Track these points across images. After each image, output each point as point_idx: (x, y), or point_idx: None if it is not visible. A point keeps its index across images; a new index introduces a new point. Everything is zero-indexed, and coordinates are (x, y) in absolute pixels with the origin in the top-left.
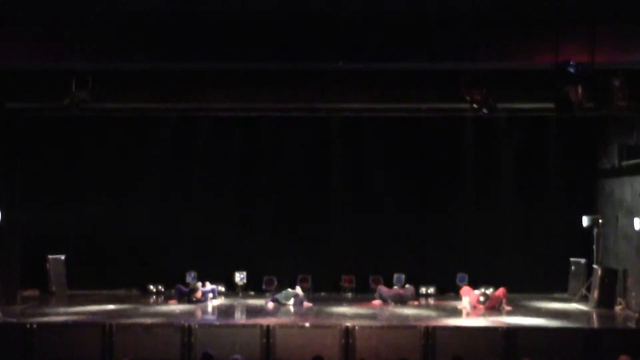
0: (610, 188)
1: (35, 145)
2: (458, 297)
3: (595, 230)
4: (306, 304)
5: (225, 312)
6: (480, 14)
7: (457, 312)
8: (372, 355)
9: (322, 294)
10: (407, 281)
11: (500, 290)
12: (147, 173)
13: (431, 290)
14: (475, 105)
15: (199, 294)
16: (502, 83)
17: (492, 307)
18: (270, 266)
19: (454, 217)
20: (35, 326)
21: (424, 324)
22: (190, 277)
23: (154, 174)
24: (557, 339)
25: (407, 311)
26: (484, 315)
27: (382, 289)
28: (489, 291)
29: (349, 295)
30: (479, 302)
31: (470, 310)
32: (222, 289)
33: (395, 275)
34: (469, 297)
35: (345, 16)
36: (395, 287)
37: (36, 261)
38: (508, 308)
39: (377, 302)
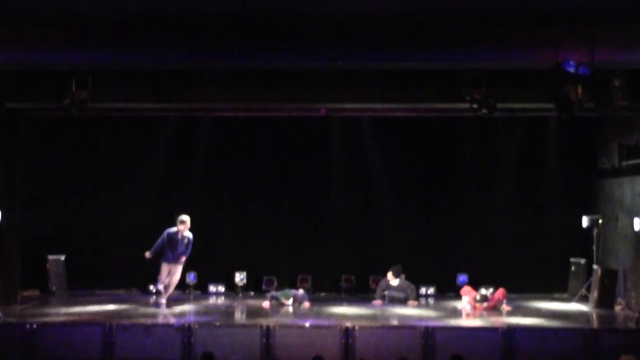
0: (610, 188)
1: (35, 145)
2: (458, 297)
3: (595, 231)
4: (306, 304)
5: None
6: (479, 13)
7: (457, 312)
8: (372, 355)
9: (322, 294)
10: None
11: (500, 291)
12: (147, 173)
13: (431, 290)
14: (475, 105)
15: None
16: (502, 83)
17: (492, 307)
18: (270, 266)
19: (454, 217)
20: (35, 326)
21: (424, 324)
22: (190, 277)
23: (153, 174)
24: (557, 339)
25: (407, 311)
26: (484, 315)
27: (382, 283)
28: (489, 292)
29: (349, 295)
30: (475, 301)
31: (470, 311)
32: (222, 289)
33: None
34: (469, 297)
35: (345, 16)
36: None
37: (36, 261)
38: (508, 308)
39: (377, 301)
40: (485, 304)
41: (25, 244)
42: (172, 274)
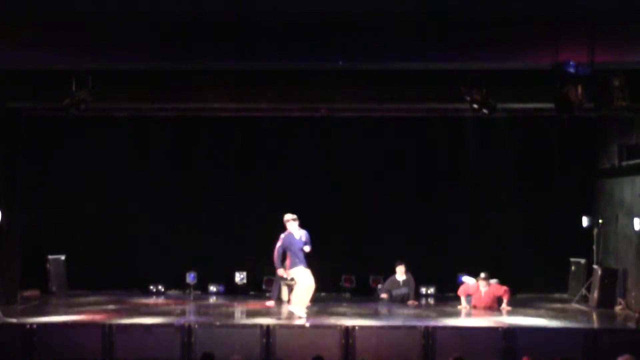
0: (610, 188)
1: (35, 145)
2: (458, 297)
3: (595, 230)
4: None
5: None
6: (480, 14)
7: (457, 312)
8: (372, 355)
9: (322, 294)
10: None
11: (505, 289)
12: (147, 173)
13: (431, 290)
14: (475, 105)
15: None
16: (502, 83)
17: (492, 296)
18: (270, 266)
19: (454, 216)
20: (35, 326)
21: (424, 324)
22: (190, 277)
23: (153, 174)
24: (557, 339)
25: (407, 311)
26: (484, 315)
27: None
28: (493, 281)
29: (349, 295)
30: (480, 278)
31: (469, 307)
32: (222, 289)
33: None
34: (469, 283)
35: (345, 16)
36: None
37: (36, 261)
38: (508, 308)
39: (384, 295)
40: (488, 287)
41: (25, 244)
42: (304, 278)
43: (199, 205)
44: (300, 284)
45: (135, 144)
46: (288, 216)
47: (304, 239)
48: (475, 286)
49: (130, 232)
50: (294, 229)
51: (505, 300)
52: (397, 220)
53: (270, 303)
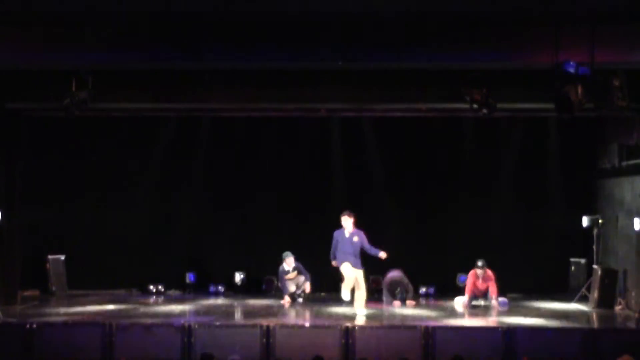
0: (610, 188)
1: (35, 145)
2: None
3: (595, 231)
4: (307, 286)
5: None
6: (479, 13)
7: (457, 312)
8: (372, 355)
9: (322, 294)
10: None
11: (494, 286)
12: (147, 173)
13: (431, 290)
14: (475, 105)
15: None
16: (502, 83)
17: (488, 281)
18: (270, 266)
19: (454, 217)
20: (35, 326)
21: (424, 324)
22: (190, 277)
23: (153, 174)
24: (557, 339)
25: (407, 311)
26: (484, 315)
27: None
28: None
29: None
30: (477, 267)
31: (468, 300)
32: (222, 289)
33: None
34: (469, 277)
35: (345, 16)
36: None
37: (36, 261)
38: (499, 308)
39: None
40: (485, 273)
41: (25, 244)
42: (345, 271)
43: (198, 205)
44: (345, 277)
45: (135, 144)
46: (344, 213)
47: (355, 239)
48: (474, 274)
49: (130, 232)
50: (346, 227)
51: (494, 296)
52: (397, 220)
53: (287, 300)
